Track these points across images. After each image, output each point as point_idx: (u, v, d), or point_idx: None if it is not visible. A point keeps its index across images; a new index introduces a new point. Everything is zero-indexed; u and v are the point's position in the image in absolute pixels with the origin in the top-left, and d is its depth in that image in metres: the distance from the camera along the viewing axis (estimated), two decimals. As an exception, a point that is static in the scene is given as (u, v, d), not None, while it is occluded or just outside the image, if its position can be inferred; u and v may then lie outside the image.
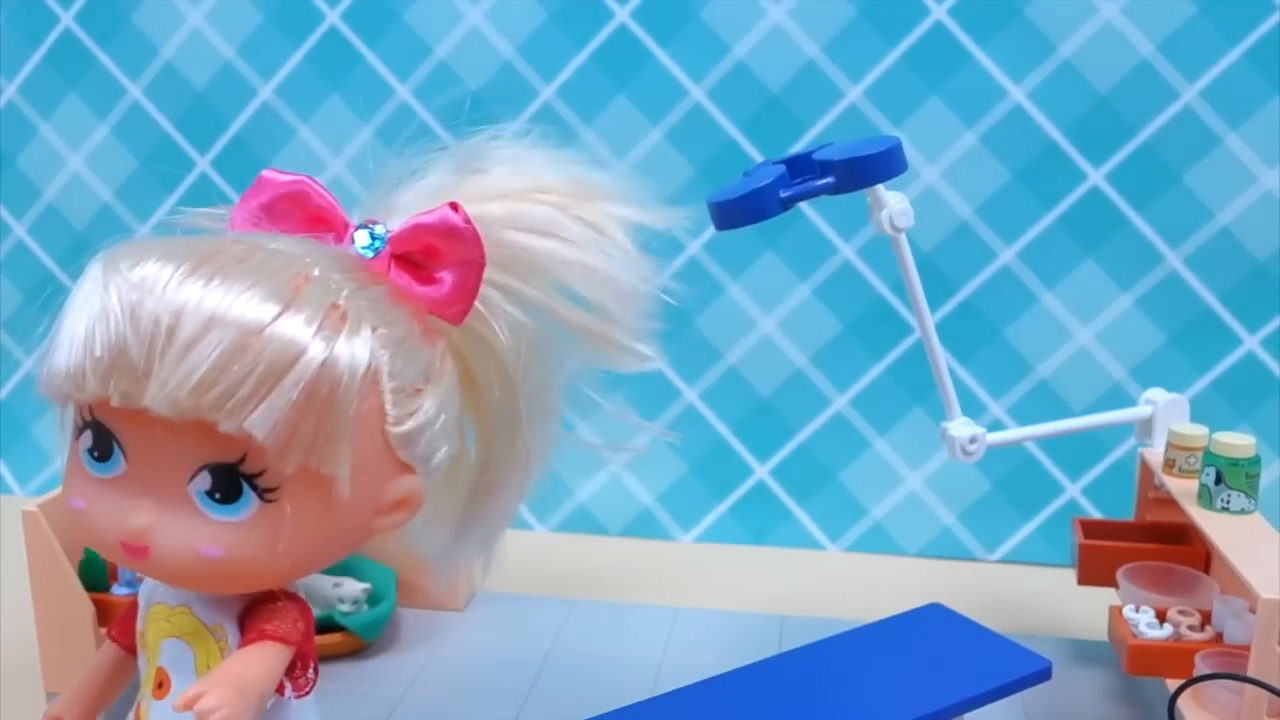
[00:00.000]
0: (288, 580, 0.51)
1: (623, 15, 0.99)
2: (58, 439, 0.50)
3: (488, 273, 0.53)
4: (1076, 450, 1.00)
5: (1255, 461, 0.71)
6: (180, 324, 0.44)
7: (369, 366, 0.47)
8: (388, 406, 0.48)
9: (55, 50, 1.09)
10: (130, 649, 0.55)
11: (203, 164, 1.09)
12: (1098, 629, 0.80)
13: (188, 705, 0.45)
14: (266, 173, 0.53)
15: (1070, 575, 0.82)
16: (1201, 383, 0.97)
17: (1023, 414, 1.00)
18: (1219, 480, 0.71)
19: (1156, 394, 0.82)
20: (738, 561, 1.03)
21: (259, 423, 0.44)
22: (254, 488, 0.46)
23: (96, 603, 0.70)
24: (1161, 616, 0.71)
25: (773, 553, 1.05)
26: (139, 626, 0.53)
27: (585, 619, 0.88)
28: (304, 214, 0.53)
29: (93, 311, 0.45)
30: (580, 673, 0.80)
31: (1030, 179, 0.97)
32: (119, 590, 0.71)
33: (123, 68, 1.08)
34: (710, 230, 0.87)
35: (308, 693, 0.51)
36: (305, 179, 0.53)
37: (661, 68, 1.00)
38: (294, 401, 0.44)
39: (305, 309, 0.45)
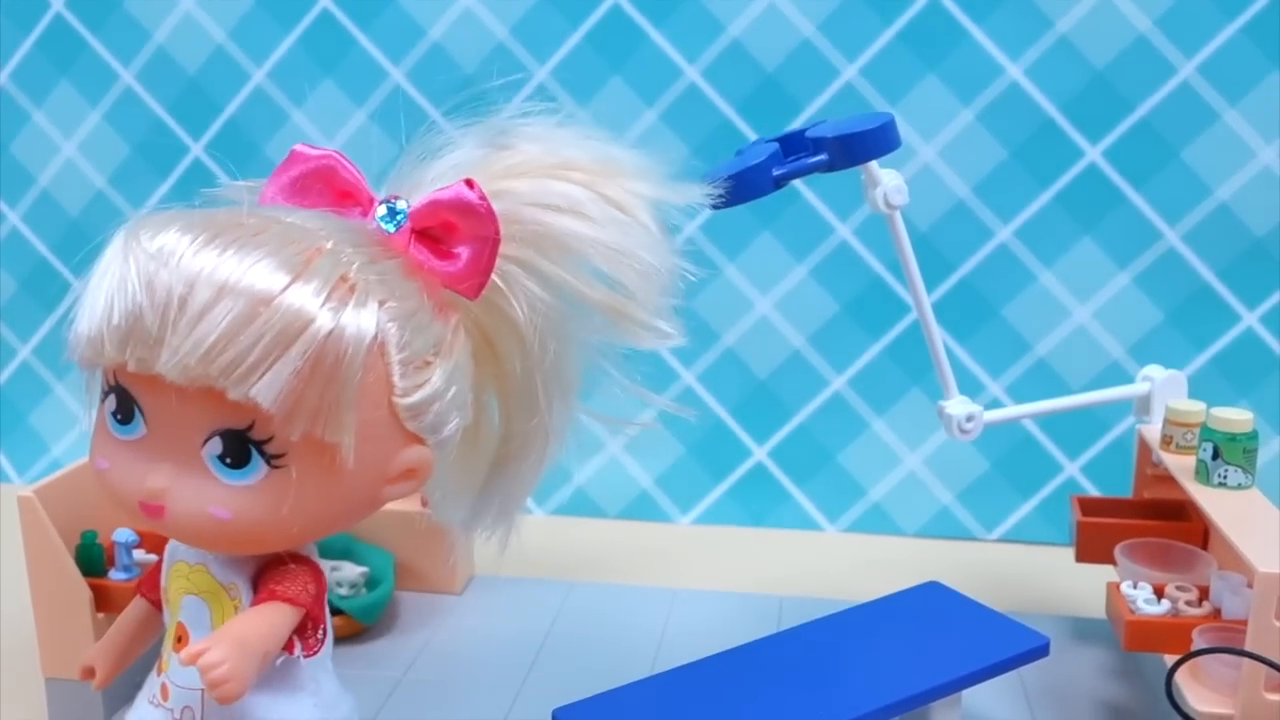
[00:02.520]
0: (297, 543, 0.52)
1: (616, -5, 0.99)
2: (85, 401, 0.51)
3: (510, 248, 0.53)
4: (1075, 428, 1.00)
5: (1253, 436, 0.70)
6: (193, 293, 0.45)
7: (375, 338, 0.47)
8: (395, 378, 0.49)
9: (46, 37, 1.09)
10: (157, 604, 0.57)
11: (196, 149, 1.08)
12: (1096, 606, 0.80)
13: (192, 660, 0.47)
14: (298, 147, 0.54)
15: (1068, 553, 0.82)
16: (1200, 360, 0.97)
17: (1021, 393, 0.99)
18: (1216, 455, 0.71)
19: (1154, 371, 0.82)
20: (736, 543, 1.03)
21: (265, 390, 0.45)
22: (262, 454, 0.48)
23: (94, 588, 0.70)
24: (1159, 592, 0.71)
25: (771, 534, 1.05)
26: (163, 583, 0.55)
27: (584, 601, 0.88)
28: (332, 188, 0.53)
29: (113, 280, 0.47)
30: (579, 654, 0.80)
31: (1027, 157, 0.96)
32: (116, 575, 0.71)
33: (114, 53, 1.08)
34: (706, 211, 0.87)
35: (317, 653, 0.53)
36: (334, 154, 0.54)
37: (656, 47, 0.99)
38: (299, 370, 0.45)
39: (314, 280, 0.46)
